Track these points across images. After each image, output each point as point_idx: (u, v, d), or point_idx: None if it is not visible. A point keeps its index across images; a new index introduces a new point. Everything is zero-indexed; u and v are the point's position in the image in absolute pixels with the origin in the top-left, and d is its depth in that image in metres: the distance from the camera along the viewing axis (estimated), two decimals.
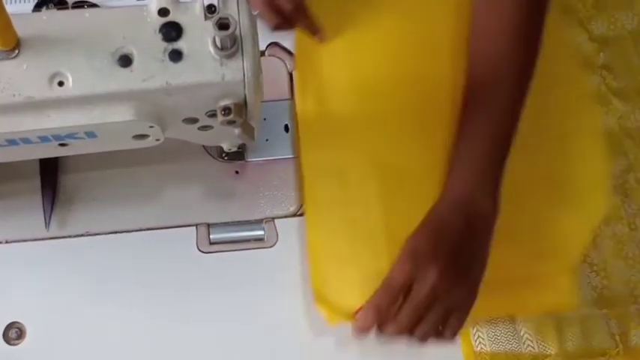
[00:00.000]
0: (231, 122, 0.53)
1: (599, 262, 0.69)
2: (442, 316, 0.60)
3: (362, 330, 0.61)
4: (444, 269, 0.59)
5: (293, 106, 0.73)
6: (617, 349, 0.66)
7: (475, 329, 0.66)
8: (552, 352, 0.65)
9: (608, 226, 0.70)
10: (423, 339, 0.60)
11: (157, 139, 0.55)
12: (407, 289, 0.60)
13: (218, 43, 0.50)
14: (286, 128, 0.73)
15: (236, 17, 0.50)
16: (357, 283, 0.64)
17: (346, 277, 0.65)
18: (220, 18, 0.49)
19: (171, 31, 0.51)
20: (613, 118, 0.75)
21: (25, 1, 0.71)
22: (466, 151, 0.66)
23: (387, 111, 0.71)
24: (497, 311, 0.66)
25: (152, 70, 0.50)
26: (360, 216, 0.68)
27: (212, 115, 0.54)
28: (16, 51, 0.49)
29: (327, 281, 0.65)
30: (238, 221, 0.69)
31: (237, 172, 0.71)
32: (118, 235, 0.67)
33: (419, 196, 0.65)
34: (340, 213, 0.68)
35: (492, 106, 0.66)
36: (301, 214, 0.69)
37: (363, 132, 0.70)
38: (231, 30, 0.49)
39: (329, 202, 0.68)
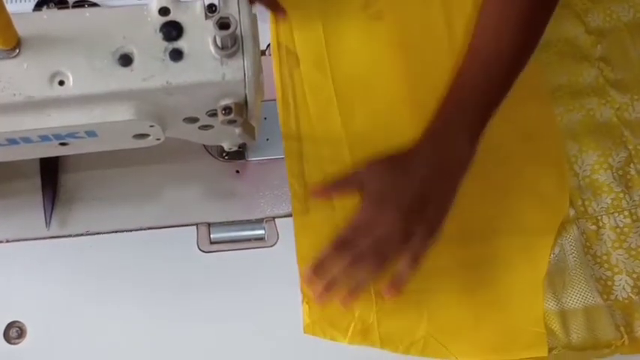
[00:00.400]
0: (231, 122, 0.53)
1: (602, 254, 0.69)
2: (401, 247, 0.61)
3: (323, 264, 0.61)
4: (405, 214, 0.61)
5: None
6: (623, 340, 0.65)
7: None
8: (557, 344, 0.65)
9: (610, 218, 0.70)
10: (381, 263, 0.61)
11: (158, 139, 0.55)
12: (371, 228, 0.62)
13: (219, 43, 0.50)
14: None
15: (237, 17, 0.50)
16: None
17: None
18: (221, 17, 0.49)
19: (172, 30, 0.51)
20: (611, 109, 0.75)
21: (25, 1, 0.71)
22: (455, 95, 0.66)
23: (368, 124, 0.72)
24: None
25: (152, 70, 0.50)
26: (344, 221, 0.67)
27: (212, 114, 0.54)
28: (17, 50, 0.49)
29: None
30: (239, 221, 0.69)
31: (237, 172, 0.71)
32: (119, 234, 0.67)
33: None
34: (325, 218, 0.68)
35: (487, 67, 0.66)
36: None
37: (343, 145, 0.71)
38: (231, 29, 0.49)
39: (314, 208, 0.68)
